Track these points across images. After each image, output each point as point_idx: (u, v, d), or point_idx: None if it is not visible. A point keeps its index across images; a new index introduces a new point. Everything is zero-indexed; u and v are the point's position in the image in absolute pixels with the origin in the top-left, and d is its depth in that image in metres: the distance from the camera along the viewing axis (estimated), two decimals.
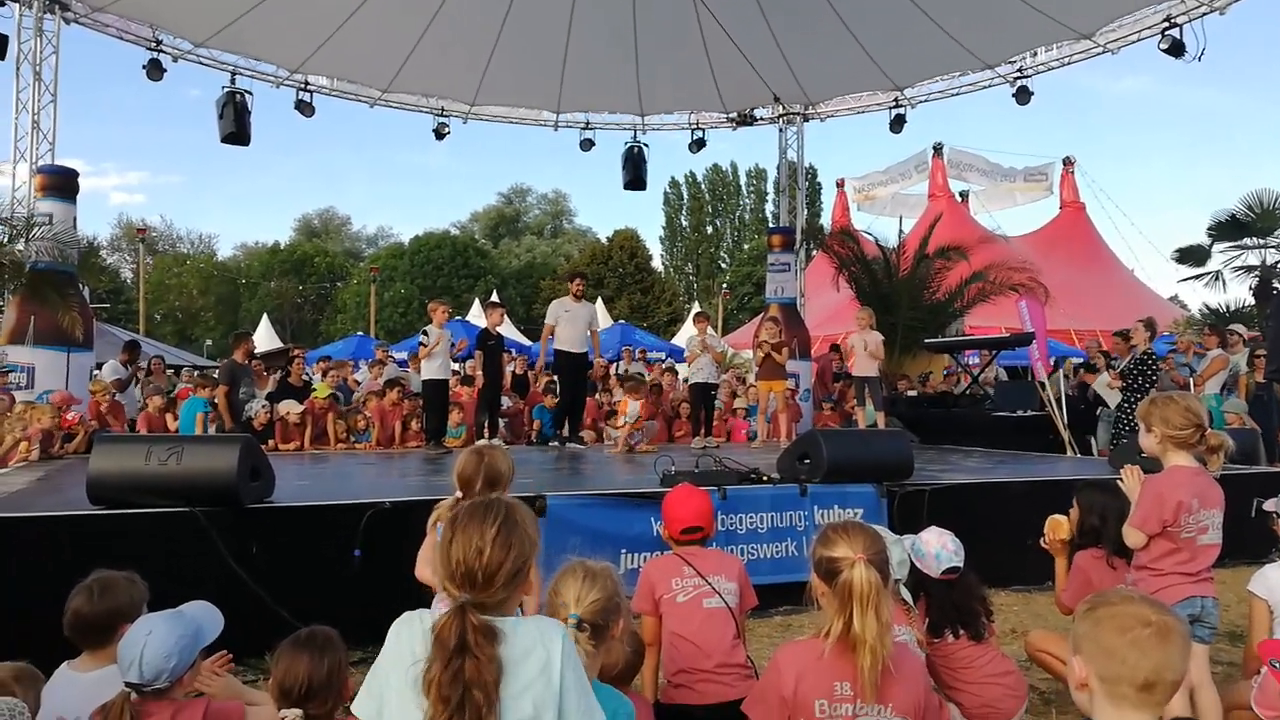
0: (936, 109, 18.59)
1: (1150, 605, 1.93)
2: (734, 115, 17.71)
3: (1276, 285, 16.85)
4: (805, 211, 18.73)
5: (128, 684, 2.62)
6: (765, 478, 6.65)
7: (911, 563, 3.81)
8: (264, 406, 10.69)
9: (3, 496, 5.96)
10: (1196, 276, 18.87)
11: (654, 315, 49.09)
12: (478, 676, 1.79)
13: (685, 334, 22.23)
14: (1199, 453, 3.80)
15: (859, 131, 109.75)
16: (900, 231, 22.44)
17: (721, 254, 62.90)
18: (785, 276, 16.42)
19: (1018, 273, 16.60)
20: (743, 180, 63.62)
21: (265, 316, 33.14)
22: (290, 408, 10.85)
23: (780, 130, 17.87)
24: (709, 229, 63.53)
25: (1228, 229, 17.89)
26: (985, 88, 15.52)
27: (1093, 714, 1.95)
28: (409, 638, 1.91)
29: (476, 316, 24.98)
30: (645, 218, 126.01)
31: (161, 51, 13.83)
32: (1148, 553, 3.71)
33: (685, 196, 63.46)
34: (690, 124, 17.90)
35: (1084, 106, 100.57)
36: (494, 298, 28.39)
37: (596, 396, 13.79)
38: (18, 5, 12.12)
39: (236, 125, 14.58)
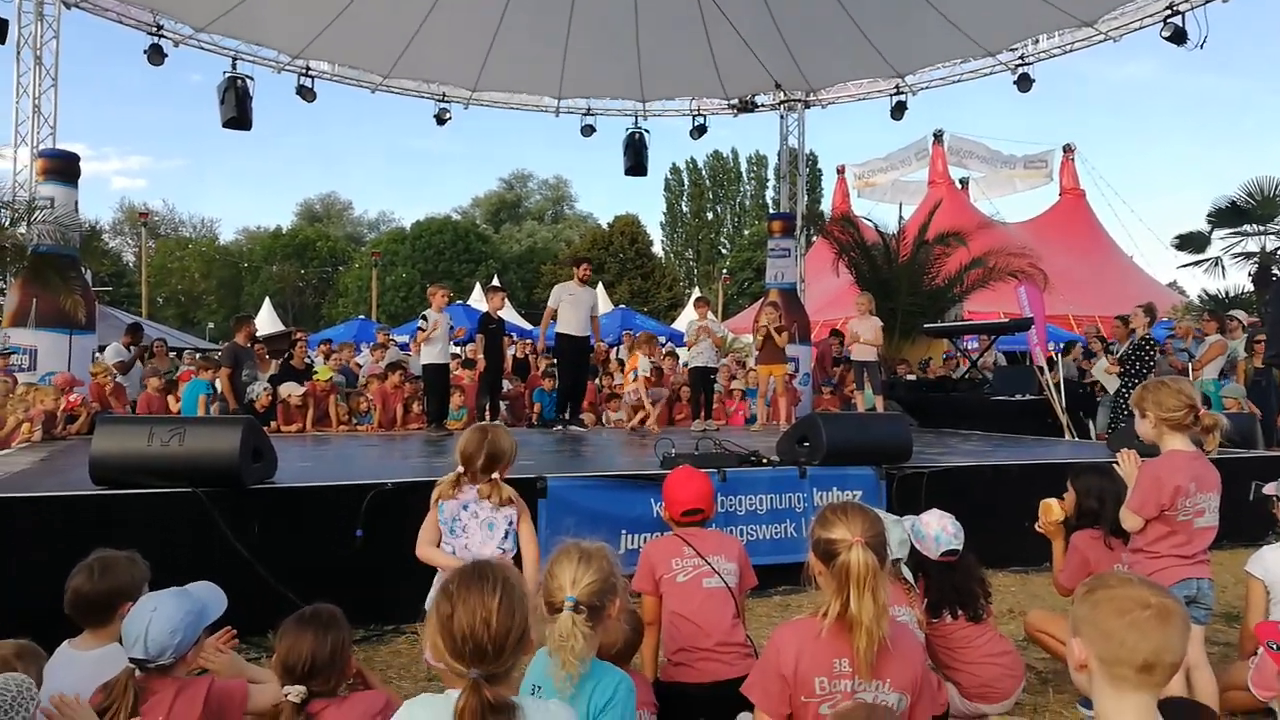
0: (937, 96, 18.54)
1: (1149, 588, 1.94)
2: (735, 102, 17.66)
3: (1276, 271, 16.82)
4: (806, 198, 18.71)
5: (132, 660, 2.64)
6: (765, 460, 6.67)
7: (911, 544, 3.85)
8: (266, 389, 10.71)
9: (5, 477, 5.98)
10: (1196, 263, 18.84)
11: (654, 300, 49.07)
12: None
13: (685, 319, 22.22)
14: (1194, 434, 3.82)
15: (860, 118, 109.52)
16: (900, 218, 22.44)
17: (722, 239, 62.85)
18: (785, 262, 16.42)
19: (1017, 259, 16.61)
20: (743, 166, 63.60)
21: (267, 300, 33.11)
22: (292, 390, 10.88)
23: (781, 117, 17.83)
24: (709, 215, 63.47)
25: (1228, 215, 17.84)
26: (986, 75, 15.45)
27: (1092, 695, 1.97)
28: None
29: (478, 301, 24.98)
30: (646, 203, 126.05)
31: (162, 36, 13.78)
32: (1144, 536, 3.73)
33: (686, 182, 63.38)
34: (691, 110, 17.86)
35: (1085, 93, 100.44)
36: (495, 282, 28.37)
37: (597, 380, 13.83)
38: None
39: (238, 110, 14.55)
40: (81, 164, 12.08)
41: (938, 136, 28.84)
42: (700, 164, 62.84)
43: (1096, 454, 7.95)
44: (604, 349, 16.05)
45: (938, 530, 3.88)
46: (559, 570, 2.43)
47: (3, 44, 11.89)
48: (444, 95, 17.01)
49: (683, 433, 10.66)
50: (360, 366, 14.00)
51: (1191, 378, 11.59)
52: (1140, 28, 13.22)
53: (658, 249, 59.79)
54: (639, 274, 51.26)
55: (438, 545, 3.56)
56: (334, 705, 2.67)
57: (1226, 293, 18.18)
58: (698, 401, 11.87)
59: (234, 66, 14.61)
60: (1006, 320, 14.44)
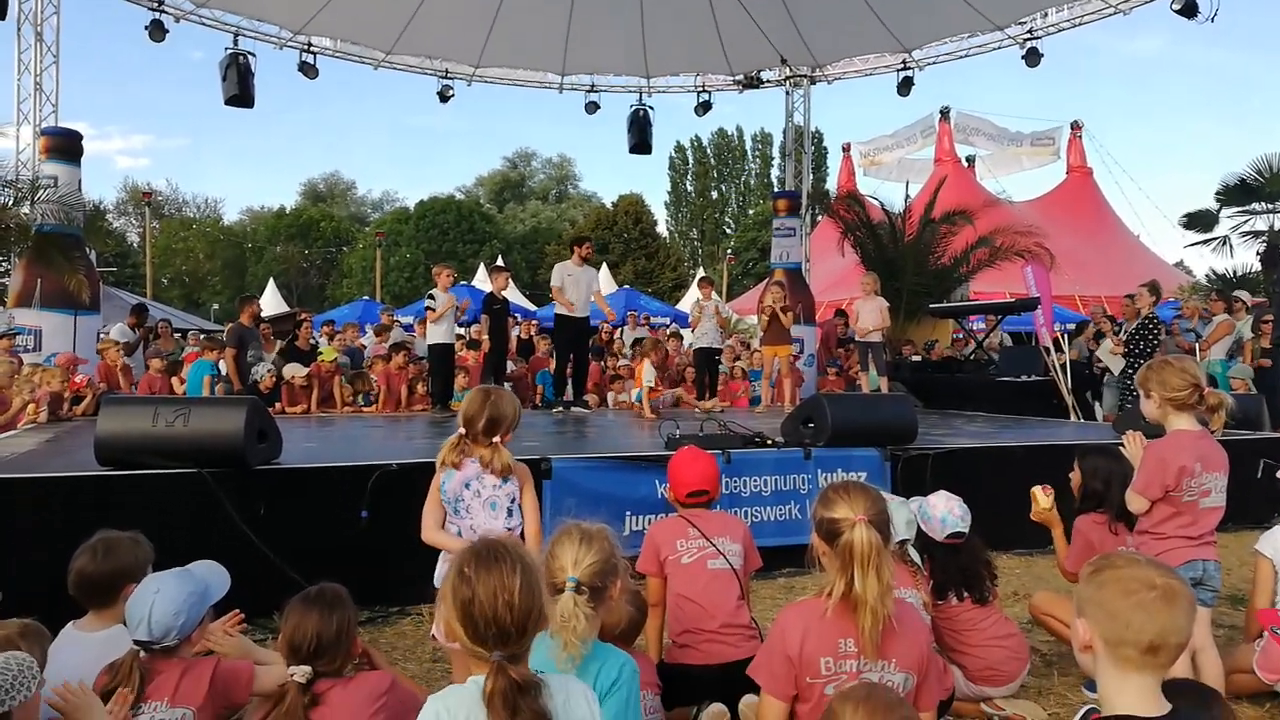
0: (944, 73, 18.38)
1: (1156, 568, 1.93)
2: (740, 78, 17.57)
3: None
4: (811, 176, 18.61)
5: (136, 642, 2.65)
6: (770, 441, 6.67)
7: (917, 525, 3.84)
8: (270, 370, 10.71)
9: (11, 458, 5.99)
10: (1204, 242, 18.76)
11: (659, 281, 48.95)
12: None
13: (690, 299, 22.20)
14: (1200, 414, 3.79)
15: (866, 95, 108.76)
16: (906, 196, 22.31)
17: (727, 219, 62.63)
18: (790, 241, 16.36)
19: (1023, 238, 16.49)
20: (748, 145, 63.28)
21: (271, 281, 33.12)
22: (295, 371, 10.87)
23: (787, 93, 17.74)
24: (714, 194, 63.21)
25: (1236, 193, 17.75)
26: (994, 50, 15.37)
27: (1096, 676, 1.96)
28: (458, 713, 1.84)
29: (482, 281, 24.93)
30: (650, 182, 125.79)
31: (163, 11, 13.70)
32: (1149, 517, 3.71)
33: (691, 161, 63.04)
34: (696, 87, 17.78)
35: (1094, 68, 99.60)
36: (499, 262, 28.31)
37: (603, 361, 13.81)
38: None
39: (240, 87, 14.51)
40: (85, 143, 12.02)
41: (944, 114, 28.64)
42: (705, 142, 62.56)
43: (1102, 435, 7.94)
44: (609, 330, 16.01)
45: (944, 512, 3.87)
46: (560, 551, 2.42)
47: (3, 20, 11.83)
48: (447, 72, 16.94)
49: (687, 414, 10.65)
50: (365, 347, 14.01)
51: (1199, 358, 11.55)
52: (1150, 0, 13.07)
53: (662, 229, 59.65)
54: (643, 254, 51.09)
55: (443, 526, 3.54)
56: (340, 685, 2.68)
57: (1234, 272, 18.12)
58: (702, 382, 11.86)
59: (235, 43, 14.56)
60: (1013, 300, 14.39)
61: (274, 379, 10.66)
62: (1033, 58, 14.54)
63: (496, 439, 3.48)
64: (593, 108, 17.73)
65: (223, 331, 14.24)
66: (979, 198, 20.52)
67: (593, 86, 17.62)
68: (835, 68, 17.15)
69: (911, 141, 30.40)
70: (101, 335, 11.81)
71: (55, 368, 9.50)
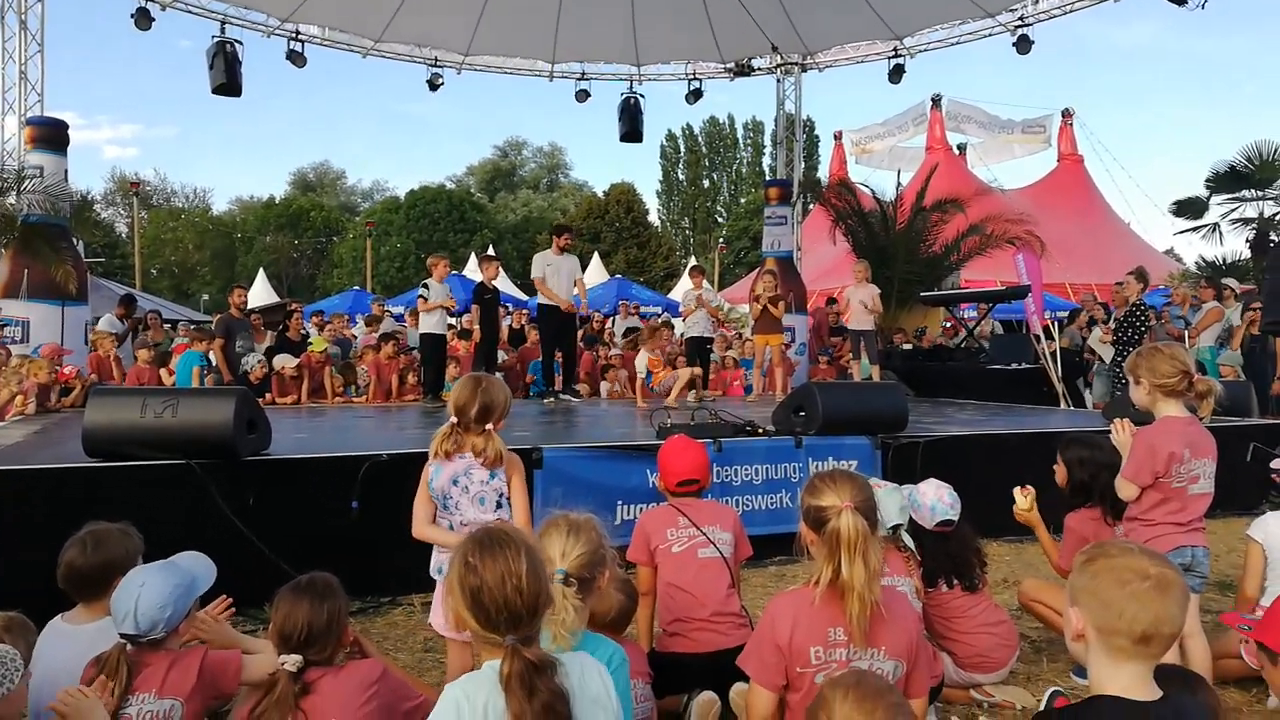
0: (935, 61, 18.42)
1: (1149, 558, 1.93)
2: (731, 65, 17.51)
3: (1274, 237, 16.77)
4: (803, 164, 18.59)
5: (123, 635, 2.63)
6: (760, 430, 6.67)
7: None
8: (260, 361, 10.68)
9: None
10: (1194, 229, 18.79)
11: (650, 270, 48.91)
12: (553, 710, 1.82)
13: (682, 288, 22.17)
14: (1189, 400, 3.80)
15: (857, 83, 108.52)
16: (898, 184, 22.29)
17: (718, 208, 62.60)
18: (782, 230, 16.33)
19: (1014, 226, 16.50)
20: (740, 133, 63.26)
21: (261, 271, 32.94)
22: (286, 362, 10.84)
23: (778, 81, 17.68)
24: (706, 182, 63.17)
25: (1226, 180, 17.76)
26: (985, 36, 15.34)
27: (1088, 664, 1.96)
28: (476, 701, 1.85)
29: (473, 271, 24.89)
30: (642, 171, 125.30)
31: None
32: (1139, 504, 3.71)
33: (682, 149, 62.99)
34: (687, 75, 17.72)
35: (1085, 56, 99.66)
36: (490, 252, 28.26)
37: (595, 350, 13.80)
38: None
39: (227, 76, 14.40)
40: (72, 133, 11.90)
41: (936, 101, 28.63)
42: (696, 130, 62.52)
43: (1091, 423, 7.96)
44: (601, 319, 15.99)
45: (934, 500, 3.88)
46: (548, 542, 2.41)
47: None
48: (436, 60, 16.85)
49: (679, 403, 10.64)
50: (356, 337, 13.97)
51: (1188, 345, 11.59)
52: None
53: (654, 218, 59.56)
54: (635, 243, 51.05)
55: (433, 521, 3.52)
56: (330, 674, 2.66)
57: (1224, 259, 18.15)
58: None
59: (223, 30, 14.45)
60: (1004, 288, 14.41)
61: (264, 370, 10.63)
62: (1024, 44, 14.53)
63: (489, 426, 3.46)
64: (583, 96, 17.64)
65: (212, 322, 14.19)
66: (970, 185, 20.57)
67: (583, 74, 17.54)
68: (827, 55, 17.10)
69: (903, 129, 30.40)
70: (90, 326, 11.74)
71: (41, 359, 9.45)
